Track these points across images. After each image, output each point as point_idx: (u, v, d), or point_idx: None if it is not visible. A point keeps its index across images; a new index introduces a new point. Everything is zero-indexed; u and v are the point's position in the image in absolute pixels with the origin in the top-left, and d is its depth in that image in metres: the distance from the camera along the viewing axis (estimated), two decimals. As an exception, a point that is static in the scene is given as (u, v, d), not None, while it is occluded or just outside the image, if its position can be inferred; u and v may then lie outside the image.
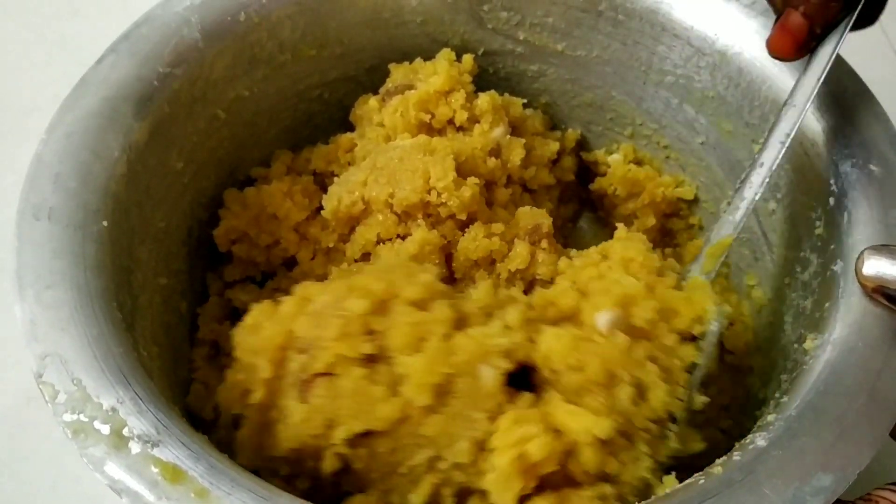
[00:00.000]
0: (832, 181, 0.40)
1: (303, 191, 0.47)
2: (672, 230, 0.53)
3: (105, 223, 0.38)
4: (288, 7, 0.46)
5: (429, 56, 0.50)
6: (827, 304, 0.38)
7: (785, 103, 0.40)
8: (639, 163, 0.53)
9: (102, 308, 0.36)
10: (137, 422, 0.33)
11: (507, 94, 0.51)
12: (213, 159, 0.47)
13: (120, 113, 0.41)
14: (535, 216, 0.46)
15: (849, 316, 0.36)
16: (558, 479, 0.35)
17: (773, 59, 0.40)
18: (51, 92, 0.56)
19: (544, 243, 0.45)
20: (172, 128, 0.43)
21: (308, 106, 0.50)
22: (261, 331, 0.37)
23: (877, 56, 0.67)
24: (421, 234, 0.43)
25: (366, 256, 0.45)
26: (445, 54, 0.49)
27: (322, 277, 0.45)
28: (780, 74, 0.44)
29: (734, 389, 0.46)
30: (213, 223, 0.48)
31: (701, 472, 0.35)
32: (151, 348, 0.40)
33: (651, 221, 0.52)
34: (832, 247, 0.39)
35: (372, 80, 0.50)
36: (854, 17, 0.38)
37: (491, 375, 0.36)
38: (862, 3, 0.38)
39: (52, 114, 0.41)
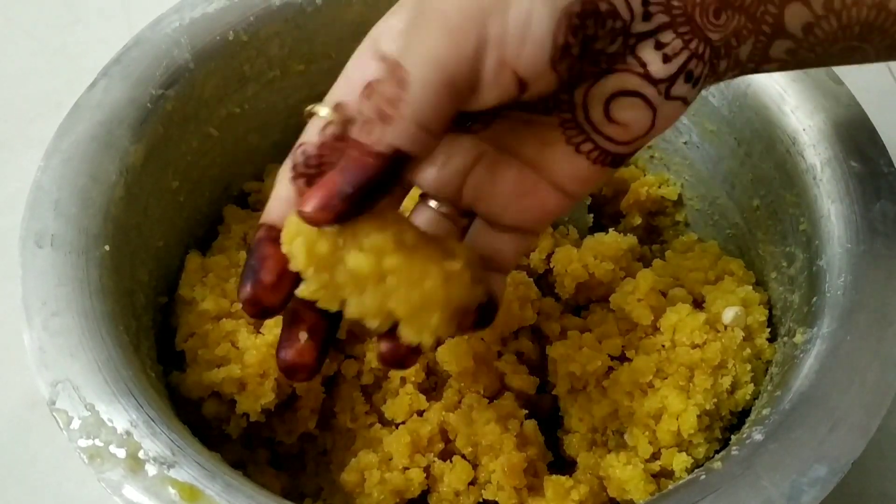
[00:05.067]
0: (814, 178, 0.42)
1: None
2: (658, 227, 0.54)
3: (107, 247, 0.39)
4: (275, 24, 0.47)
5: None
6: (814, 299, 0.39)
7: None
8: (624, 163, 0.54)
9: (109, 332, 0.37)
10: (152, 444, 0.33)
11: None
12: (207, 176, 0.48)
13: (115, 136, 0.41)
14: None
15: (836, 310, 0.37)
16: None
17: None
18: (53, 100, 0.57)
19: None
20: (167, 148, 0.44)
21: (299, 120, 0.49)
22: None
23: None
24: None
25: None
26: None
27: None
28: (762, 75, 0.45)
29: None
30: (210, 239, 0.48)
31: (701, 468, 0.36)
32: (157, 368, 0.41)
33: (637, 220, 0.53)
34: (816, 242, 0.41)
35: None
36: None
37: None
38: None
39: (55, 122, 0.41)
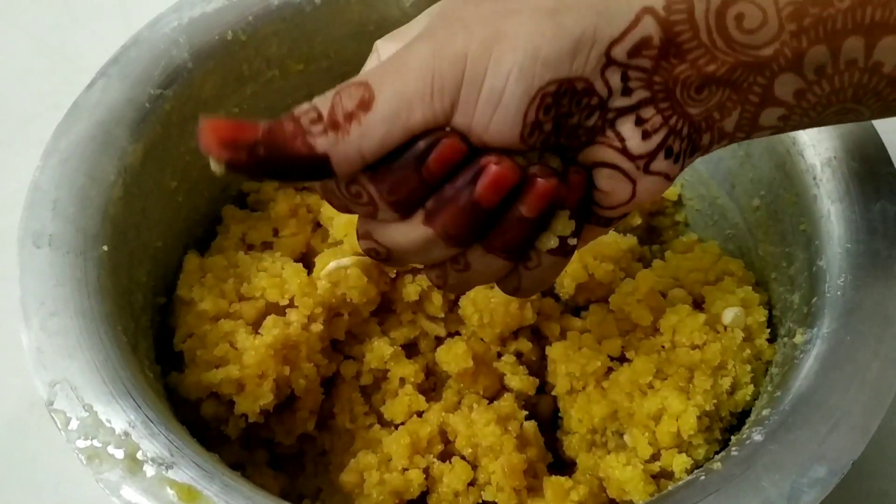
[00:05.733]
0: (814, 178, 0.42)
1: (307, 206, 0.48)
2: (658, 228, 0.54)
3: (105, 248, 0.39)
4: (274, 24, 0.47)
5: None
6: (814, 300, 0.39)
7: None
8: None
9: (107, 332, 0.37)
10: (150, 444, 0.33)
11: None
12: (205, 177, 0.47)
13: (114, 136, 0.41)
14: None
15: (836, 310, 0.37)
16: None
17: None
18: (52, 100, 0.57)
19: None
20: (166, 148, 0.44)
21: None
22: None
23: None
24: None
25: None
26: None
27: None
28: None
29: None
30: (208, 239, 0.48)
31: (701, 469, 0.36)
32: (155, 369, 0.41)
33: (637, 221, 0.53)
34: (816, 243, 0.41)
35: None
36: None
37: None
38: None
39: (54, 121, 0.41)
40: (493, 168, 0.28)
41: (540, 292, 0.46)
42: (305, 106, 0.29)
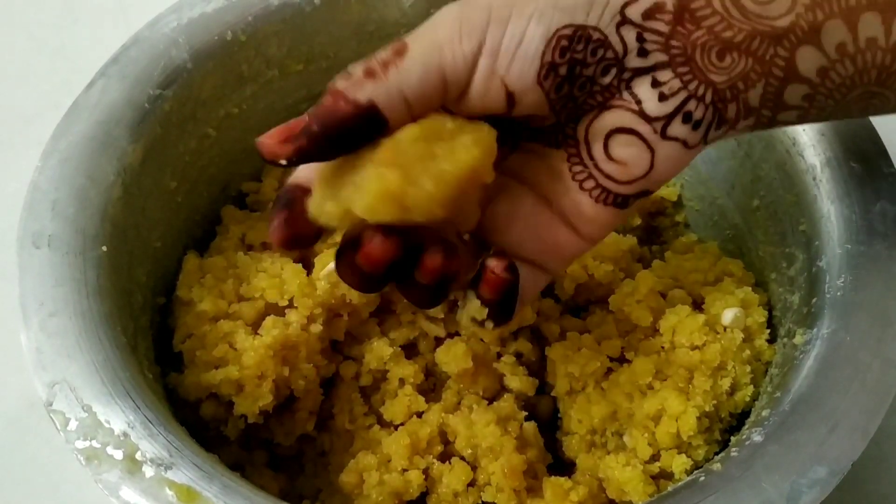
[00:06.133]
0: (814, 178, 0.41)
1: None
2: (658, 228, 0.54)
3: (104, 248, 0.39)
4: (274, 24, 0.47)
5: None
6: (814, 300, 0.39)
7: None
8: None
9: (107, 333, 0.37)
10: (150, 445, 0.33)
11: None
12: (205, 177, 0.47)
13: (113, 137, 0.41)
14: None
15: (836, 311, 0.37)
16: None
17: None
18: (52, 100, 0.57)
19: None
20: (165, 149, 0.44)
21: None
22: None
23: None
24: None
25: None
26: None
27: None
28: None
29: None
30: (208, 240, 0.48)
31: (700, 469, 0.36)
32: (154, 369, 0.41)
33: (637, 221, 0.53)
34: (816, 243, 0.41)
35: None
36: None
37: None
38: None
39: (54, 122, 0.41)
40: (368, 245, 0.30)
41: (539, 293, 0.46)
42: (339, 75, 0.30)
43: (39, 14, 0.70)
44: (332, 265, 0.43)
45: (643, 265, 0.48)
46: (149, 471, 0.33)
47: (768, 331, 0.43)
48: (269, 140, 0.29)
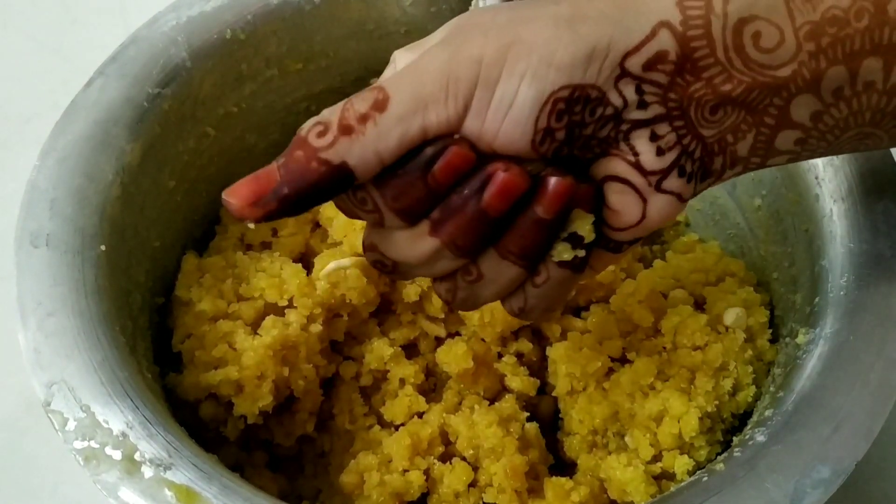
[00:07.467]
0: (816, 177, 0.41)
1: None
2: (659, 228, 0.54)
3: (103, 247, 0.39)
4: (273, 23, 0.46)
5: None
6: (817, 299, 0.39)
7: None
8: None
9: (105, 333, 0.36)
10: (148, 445, 0.33)
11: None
12: (204, 176, 0.47)
13: (112, 136, 0.41)
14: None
15: (839, 310, 0.37)
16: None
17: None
18: (50, 100, 0.57)
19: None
20: (164, 148, 0.44)
21: (296, 119, 0.50)
22: None
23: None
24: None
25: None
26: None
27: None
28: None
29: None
30: (207, 240, 0.48)
31: (703, 469, 0.36)
32: (153, 369, 0.41)
33: (638, 220, 0.53)
34: (818, 242, 0.40)
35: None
36: None
37: None
38: None
39: (52, 121, 0.41)
40: (500, 175, 0.28)
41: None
42: (310, 122, 0.28)
43: (38, 14, 0.70)
44: (332, 265, 0.43)
45: (644, 265, 0.48)
46: (148, 471, 0.32)
47: (770, 331, 0.43)
48: (238, 201, 0.28)
